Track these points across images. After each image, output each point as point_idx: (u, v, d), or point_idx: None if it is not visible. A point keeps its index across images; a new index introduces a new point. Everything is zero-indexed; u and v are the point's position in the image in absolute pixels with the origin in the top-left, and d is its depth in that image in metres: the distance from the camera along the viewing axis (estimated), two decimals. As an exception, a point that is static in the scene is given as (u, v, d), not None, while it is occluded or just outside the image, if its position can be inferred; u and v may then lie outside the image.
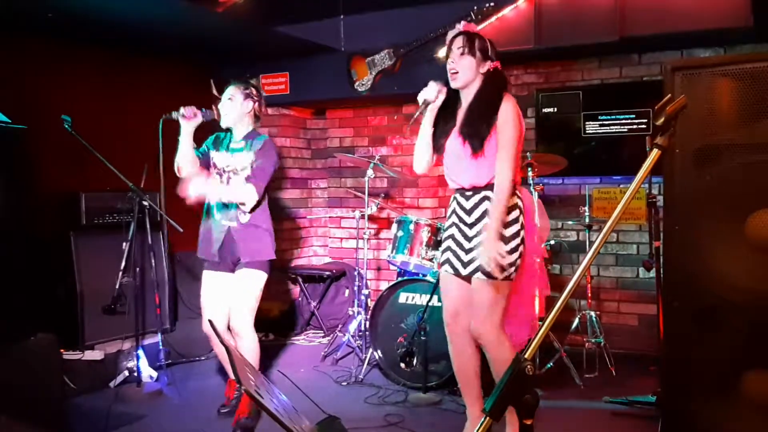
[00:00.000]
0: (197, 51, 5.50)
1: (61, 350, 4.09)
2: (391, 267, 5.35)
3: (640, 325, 5.06)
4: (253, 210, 3.68)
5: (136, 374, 4.21)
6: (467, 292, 3.17)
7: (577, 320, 4.63)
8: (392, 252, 4.47)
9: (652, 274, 3.89)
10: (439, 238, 4.37)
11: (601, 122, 5.03)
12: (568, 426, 3.58)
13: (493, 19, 4.66)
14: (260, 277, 3.70)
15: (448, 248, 3.18)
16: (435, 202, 5.83)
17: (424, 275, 4.33)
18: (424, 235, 4.37)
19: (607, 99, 5.05)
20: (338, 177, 6.36)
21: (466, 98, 3.11)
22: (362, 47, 5.35)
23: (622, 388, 4.10)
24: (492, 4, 4.58)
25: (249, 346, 3.67)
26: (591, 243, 4.70)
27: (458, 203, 3.16)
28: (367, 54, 5.32)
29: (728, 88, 2.37)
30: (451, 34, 3.14)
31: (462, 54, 3.02)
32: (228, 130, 3.84)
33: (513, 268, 3.02)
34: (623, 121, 4.96)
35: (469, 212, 3.10)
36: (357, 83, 5.38)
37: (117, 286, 4.21)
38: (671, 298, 2.62)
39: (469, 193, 3.11)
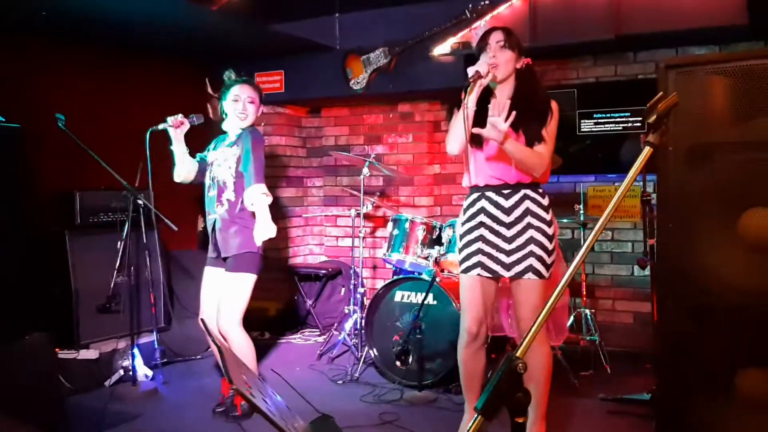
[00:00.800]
0: (192, 49, 5.48)
1: (56, 349, 4.07)
2: (387, 265, 5.35)
3: (636, 323, 5.07)
4: (234, 203, 3.68)
5: (131, 373, 4.19)
6: (493, 298, 3.13)
7: (572, 318, 4.64)
8: (388, 250, 4.47)
9: (647, 271, 3.90)
10: (434, 237, 4.37)
11: (596, 120, 5.03)
12: (563, 424, 3.58)
13: (488, 17, 4.65)
14: (246, 280, 3.66)
15: (479, 251, 3.02)
16: (431, 200, 5.83)
17: (420, 273, 4.33)
18: (420, 233, 4.37)
19: (602, 97, 5.05)
20: (334, 175, 6.36)
21: (502, 94, 3.02)
22: (358, 45, 5.35)
23: (617, 385, 4.11)
24: (487, 1, 4.58)
25: (238, 348, 3.65)
26: (586, 241, 4.71)
27: (491, 201, 3.02)
28: (362, 52, 5.32)
29: (722, 86, 2.37)
30: (479, 30, 3.10)
31: (503, 47, 2.98)
32: (224, 131, 3.86)
33: (552, 268, 3.02)
34: (618, 120, 4.96)
35: (507, 211, 2.99)
36: (352, 81, 5.37)
37: (112, 285, 4.21)
38: (665, 296, 2.62)
39: (507, 191, 3.01)
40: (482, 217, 3.04)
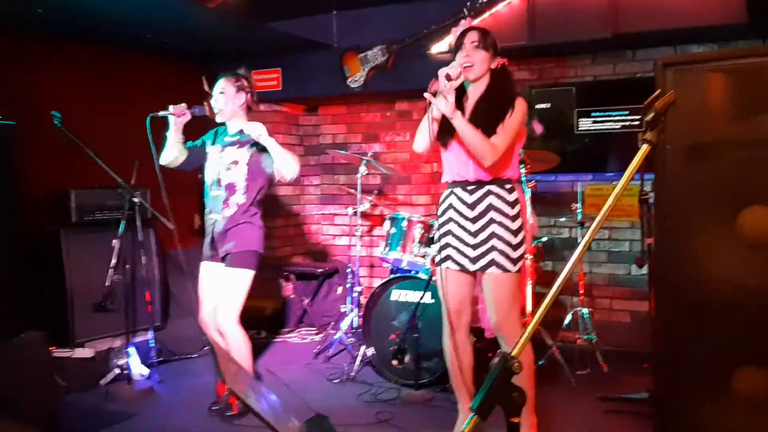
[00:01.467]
0: (189, 47, 5.47)
1: (52, 348, 4.06)
2: (384, 264, 5.34)
3: (633, 322, 5.06)
4: (243, 205, 3.66)
5: (126, 372, 4.19)
6: (470, 289, 3.20)
7: (569, 317, 4.63)
8: (385, 249, 4.45)
9: (645, 270, 3.89)
10: (431, 235, 4.35)
11: (594, 119, 5.01)
12: (560, 423, 3.57)
13: (486, 15, 4.64)
14: (245, 276, 3.64)
15: (448, 245, 3.14)
16: (428, 199, 5.82)
17: (417, 272, 4.32)
18: (417, 232, 4.35)
19: (600, 95, 5.03)
20: (331, 174, 6.34)
21: (475, 93, 3.11)
22: (355, 43, 5.33)
23: (614, 385, 4.10)
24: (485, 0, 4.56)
25: (235, 344, 3.65)
26: (583, 240, 4.69)
27: (458, 197, 3.13)
28: (360, 50, 5.30)
29: (720, 84, 2.36)
30: (457, 30, 3.15)
31: (477, 47, 3.03)
32: (223, 124, 3.84)
33: (521, 261, 3.08)
34: (616, 118, 4.94)
35: (471, 206, 3.08)
36: (350, 79, 5.35)
37: (107, 284, 4.19)
38: (663, 295, 2.61)
39: (471, 187, 3.09)
40: (451, 212, 3.16)
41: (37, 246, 4.35)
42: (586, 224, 4.62)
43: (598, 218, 1.46)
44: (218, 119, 3.78)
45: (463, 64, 2.99)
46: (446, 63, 2.98)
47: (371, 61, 5.26)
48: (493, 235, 3.04)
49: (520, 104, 3.04)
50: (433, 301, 4.12)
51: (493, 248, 3.03)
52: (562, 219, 4.99)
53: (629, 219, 5.02)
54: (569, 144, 5.08)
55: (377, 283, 4.62)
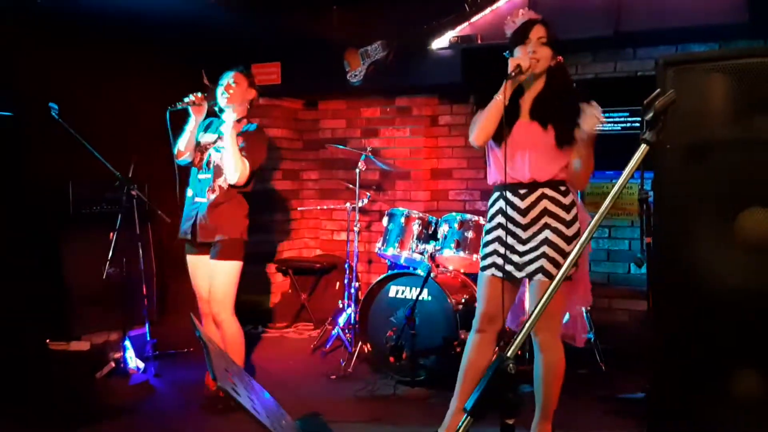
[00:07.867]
0: (189, 40, 5.43)
1: (48, 340, 4.06)
2: (383, 260, 5.33)
3: (631, 322, 5.05)
4: (230, 191, 3.65)
5: (122, 365, 4.18)
6: (510, 298, 3.08)
7: (567, 315, 4.61)
8: (383, 245, 4.44)
9: (644, 270, 3.88)
10: (430, 232, 4.35)
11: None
12: (557, 421, 3.56)
13: (487, 11, 4.62)
14: (233, 267, 3.66)
15: (495, 252, 3.01)
16: (427, 195, 5.80)
17: (415, 269, 4.31)
18: (415, 228, 4.34)
19: (601, 94, 4.97)
20: (330, 169, 6.32)
21: (532, 91, 3.00)
22: (355, 38, 5.30)
23: (611, 384, 4.10)
24: (486, -5, 4.54)
25: (229, 336, 3.68)
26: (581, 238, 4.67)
27: (509, 202, 2.97)
28: (360, 45, 5.28)
29: (720, 84, 2.35)
30: (514, 19, 3.07)
31: (543, 44, 2.92)
32: (220, 111, 3.81)
33: (573, 268, 2.93)
34: (617, 120, 4.92)
35: (523, 212, 2.94)
36: (350, 74, 5.33)
37: (104, 277, 4.17)
38: (661, 295, 2.60)
39: (524, 191, 2.94)
40: (500, 218, 3.02)
41: (35, 238, 4.33)
42: (585, 222, 4.60)
43: (596, 218, 1.45)
44: (221, 104, 3.74)
45: (532, 58, 2.87)
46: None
47: (371, 56, 5.23)
48: (545, 241, 2.89)
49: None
50: (431, 298, 4.11)
51: (543, 255, 2.88)
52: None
53: (629, 218, 5.00)
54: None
55: (375, 278, 4.61)
